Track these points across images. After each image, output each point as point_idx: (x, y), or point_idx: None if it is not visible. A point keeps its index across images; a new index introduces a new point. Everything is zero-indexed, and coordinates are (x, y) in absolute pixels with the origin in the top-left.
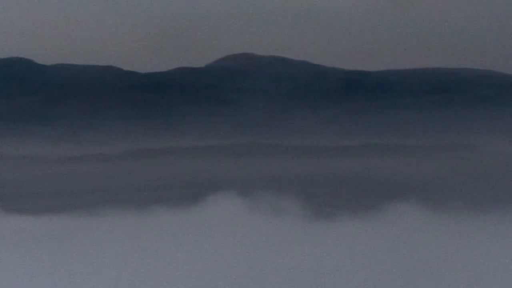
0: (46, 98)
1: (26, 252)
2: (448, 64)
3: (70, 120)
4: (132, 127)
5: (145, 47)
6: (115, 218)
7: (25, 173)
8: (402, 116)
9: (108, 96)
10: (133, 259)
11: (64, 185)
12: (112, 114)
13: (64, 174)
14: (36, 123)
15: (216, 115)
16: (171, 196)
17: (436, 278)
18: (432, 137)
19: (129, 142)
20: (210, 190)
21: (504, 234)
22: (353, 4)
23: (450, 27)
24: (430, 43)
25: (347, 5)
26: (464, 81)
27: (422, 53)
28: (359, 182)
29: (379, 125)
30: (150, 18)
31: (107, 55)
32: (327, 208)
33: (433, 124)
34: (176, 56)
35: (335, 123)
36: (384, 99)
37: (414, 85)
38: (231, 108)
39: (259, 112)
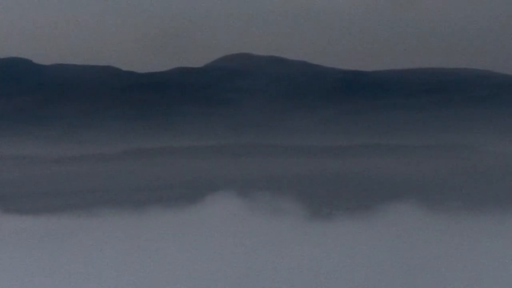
0: (45, 98)
1: (25, 252)
2: (448, 64)
3: (69, 120)
4: (131, 127)
5: (144, 47)
6: (114, 218)
7: (25, 173)
8: (402, 116)
9: (107, 96)
10: (132, 259)
11: (64, 185)
12: (111, 114)
13: (64, 174)
14: (35, 123)
15: (215, 115)
16: (170, 196)
17: (436, 278)
18: (431, 137)
19: (128, 142)
20: (210, 190)
21: (504, 234)
22: (353, 4)
23: (450, 27)
24: (430, 43)
25: (346, 5)
26: (464, 81)
27: (421, 53)
28: (359, 182)
29: (378, 125)
30: (149, 18)
31: (106, 55)
32: (327, 208)
33: (432, 124)
34: (175, 56)
35: (334, 123)
36: (384, 99)
37: (414, 85)
38: (230, 108)
39: (258, 112)
